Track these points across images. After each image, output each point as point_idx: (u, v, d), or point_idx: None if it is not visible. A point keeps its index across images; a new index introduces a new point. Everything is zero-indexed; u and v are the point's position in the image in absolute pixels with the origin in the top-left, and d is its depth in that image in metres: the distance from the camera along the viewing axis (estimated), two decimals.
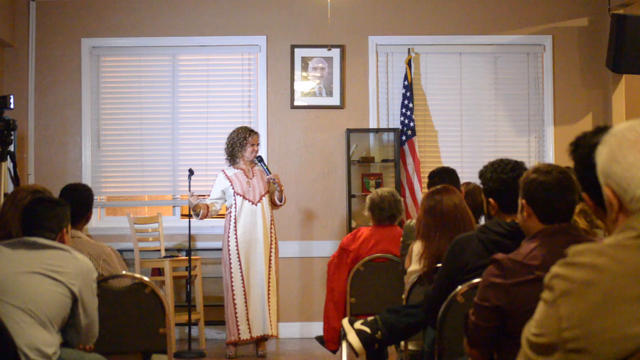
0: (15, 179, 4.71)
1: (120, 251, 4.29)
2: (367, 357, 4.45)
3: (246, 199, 6.03)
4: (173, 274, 6.42)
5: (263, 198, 6.07)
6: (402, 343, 3.94)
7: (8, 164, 4.78)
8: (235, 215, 6.02)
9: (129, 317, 3.46)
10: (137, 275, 3.65)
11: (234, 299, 5.94)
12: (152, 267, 6.64)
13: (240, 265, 5.95)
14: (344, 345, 3.75)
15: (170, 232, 6.96)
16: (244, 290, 5.93)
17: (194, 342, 6.38)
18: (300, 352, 6.40)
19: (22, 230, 3.05)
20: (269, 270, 6.01)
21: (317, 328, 6.06)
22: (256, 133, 6.18)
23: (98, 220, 7.18)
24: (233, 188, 6.04)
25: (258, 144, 6.15)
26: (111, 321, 3.35)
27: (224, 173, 6.14)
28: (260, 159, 6.15)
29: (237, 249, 5.96)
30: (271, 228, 6.10)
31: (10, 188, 4.62)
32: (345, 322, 3.76)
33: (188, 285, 6.62)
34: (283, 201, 6.17)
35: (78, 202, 3.70)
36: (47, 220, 3.04)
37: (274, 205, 6.17)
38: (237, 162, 6.13)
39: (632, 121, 1.46)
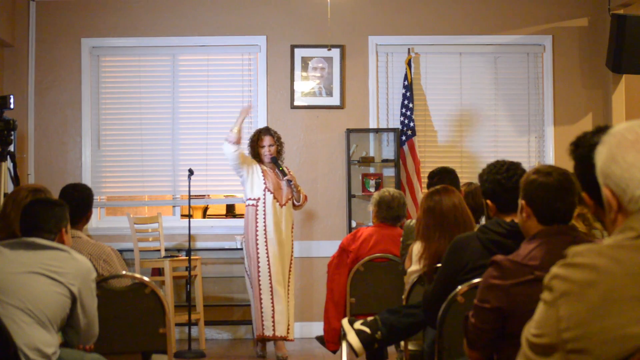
0: (15, 179, 4.71)
1: (120, 251, 4.29)
2: (367, 357, 4.45)
3: (276, 198, 5.99)
4: (173, 274, 6.42)
5: (289, 201, 6.07)
6: (402, 343, 3.94)
7: (8, 164, 4.78)
8: (264, 212, 5.95)
9: (129, 317, 3.46)
10: (137, 275, 3.65)
11: (260, 295, 5.89)
12: (152, 267, 6.64)
13: (268, 262, 5.90)
14: (344, 345, 3.75)
15: (170, 232, 6.96)
16: (271, 288, 5.90)
17: (194, 342, 6.38)
18: (300, 352, 6.40)
19: (21, 231, 3.05)
20: (289, 273, 6.05)
21: (317, 328, 6.06)
22: (267, 133, 6.07)
23: (98, 220, 7.18)
24: (265, 184, 5.98)
25: (271, 145, 6.04)
26: (111, 321, 3.35)
27: (260, 165, 6.03)
28: (274, 160, 6.06)
29: (266, 246, 5.91)
30: (292, 231, 6.13)
31: (10, 188, 4.62)
32: (345, 322, 3.76)
33: (188, 285, 6.63)
34: (301, 201, 6.15)
35: (78, 202, 3.70)
36: (45, 221, 3.04)
37: (293, 205, 6.16)
38: (262, 162, 6.08)
39: (631, 121, 1.46)
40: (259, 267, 5.92)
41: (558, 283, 1.40)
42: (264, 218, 5.95)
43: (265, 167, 6.05)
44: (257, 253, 5.93)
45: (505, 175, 2.89)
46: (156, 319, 3.44)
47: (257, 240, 5.94)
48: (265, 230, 5.94)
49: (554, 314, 1.39)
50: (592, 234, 3.35)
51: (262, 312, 5.89)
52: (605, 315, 1.33)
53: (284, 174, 6.00)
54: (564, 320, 1.37)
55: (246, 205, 6.08)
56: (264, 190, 5.97)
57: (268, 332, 5.91)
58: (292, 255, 6.11)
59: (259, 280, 5.91)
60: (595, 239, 2.91)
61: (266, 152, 6.03)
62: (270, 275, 5.90)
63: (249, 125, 7.20)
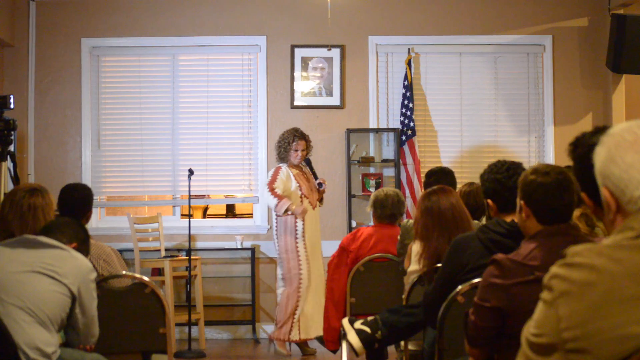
0: (15, 179, 4.71)
1: (120, 251, 4.29)
2: (367, 357, 4.45)
3: (311, 203, 6.08)
4: (173, 274, 6.42)
5: (317, 202, 6.17)
6: (402, 343, 3.95)
7: (8, 164, 4.78)
8: (303, 218, 6.01)
9: (129, 317, 3.46)
10: (137, 275, 3.65)
11: (297, 301, 5.99)
12: (152, 267, 6.65)
13: (300, 268, 6.01)
14: (344, 345, 3.75)
15: (170, 232, 6.96)
16: (305, 294, 6.02)
17: (194, 342, 6.38)
18: (301, 352, 6.39)
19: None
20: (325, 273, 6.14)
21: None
22: (302, 138, 6.14)
23: (98, 220, 7.18)
24: (301, 189, 6.05)
25: (304, 149, 6.12)
26: (111, 321, 3.35)
27: (289, 171, 6.10)
28: (308, 162, 6.18)
29: (306, 252, 6.02)
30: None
31: (10, 188, 4.62)
32: (345, 322, 3.76)
33: (188, 285, 6.63)
34: (321, 203, 6.28)
35: (78, 202, 3.70)
36: (59, 229, 3.06)
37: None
38: (289, 164, 6.15)
39: (630, 122, 1.46)
40: (300, 273, 6.00)
41: (557, 283, 1.40)
42: (303, 223, 6.03)
43: (294, 171, 6.12)
44: (299, 260, 6.01)
45: (505, 175, 2.89)
46: (156, 319, 3.44)
47: (297, 247, 6.02)
48: (304, 236, 6.02)
49: (553, 314, 1.39)
50: (594, 234, 3.34)
51: (293, 318, 6.01)
52: (604, 315, 1.33)
53: (316, 177, 6.14)
54: (564, 320, 1.37)
55: (279, 215, 6.06)
56: (301, 197, 6.05)
57: (295, 337, 6.04)
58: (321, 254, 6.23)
59: (299, 288, 6.01)
60: (596, 239, 2.91)
61: (299, 155, 6.11)
62: (306, 282, 6.01)
63: (249, 125, 7.21)
